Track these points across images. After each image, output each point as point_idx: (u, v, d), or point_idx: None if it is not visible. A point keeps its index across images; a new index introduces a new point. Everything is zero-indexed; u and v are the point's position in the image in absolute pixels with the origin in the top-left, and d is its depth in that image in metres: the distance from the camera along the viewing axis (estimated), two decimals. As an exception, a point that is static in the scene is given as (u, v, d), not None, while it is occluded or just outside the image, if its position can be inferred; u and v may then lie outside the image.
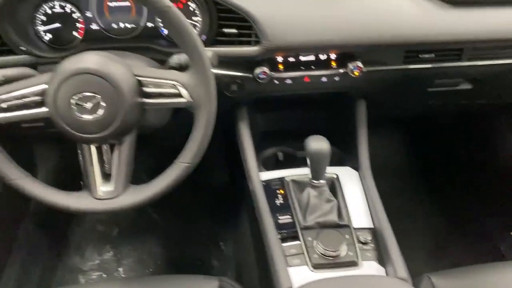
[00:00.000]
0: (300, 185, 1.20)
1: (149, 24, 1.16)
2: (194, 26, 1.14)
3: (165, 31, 1.16)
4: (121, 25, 1.15)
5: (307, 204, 1.13)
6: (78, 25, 1.14)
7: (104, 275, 1.58)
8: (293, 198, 1.17)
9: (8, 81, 0.98)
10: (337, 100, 1.39)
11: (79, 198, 0.96)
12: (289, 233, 1.09)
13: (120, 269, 1.60)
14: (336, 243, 1.04)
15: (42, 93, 0.90)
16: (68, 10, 1.12)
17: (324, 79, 1.21)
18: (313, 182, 1.14)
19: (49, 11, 1.12)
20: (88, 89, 0.87)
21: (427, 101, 1.34)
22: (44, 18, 1.12)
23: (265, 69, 1.15)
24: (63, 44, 1.14)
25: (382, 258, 1.05)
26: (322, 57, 1.19)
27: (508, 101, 1.45)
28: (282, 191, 1.20)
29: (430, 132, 1.52)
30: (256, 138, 1.33)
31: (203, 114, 0.92)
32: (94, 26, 1.14)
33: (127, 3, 1.14)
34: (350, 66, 1.17)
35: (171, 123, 1.18)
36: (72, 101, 0.87)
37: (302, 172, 1.23)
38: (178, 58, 1.03)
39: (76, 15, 1.13)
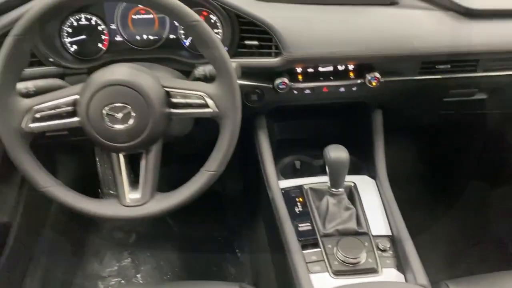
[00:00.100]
0: (318, 193, 1.22)
1: (171, 36, 1.19)
2: None
3: (187, 43, 1.20)
4: (144, 37, 1.18)
5: (326, 212, 1.16)
6: (103, 37, 1.17)
7: (123, 281, 1.61)
8: (312, 206, 1.19)
9: (39, 91, 1.02)
10: (352, 109, 1.42)
11: (108, 205, 0.99)
12: (309, 240, 1.12)
13: (139, 275, 1.62)
14: (356, 250, 1.06)
15: (74, 104, 0.93)
16: (93, 22, 1.16)
17: (342, 89, 1.24)
18: (332, 190, 1.16)
19: (75, 24, 1.15)
20: (119, 99, 0.90)
21: (442, 110, 1.36)
22: (70, 30, 1.15)
23: (285, 80, 1.18)
24: (88, 55, 1.18)
25: (401, 265, 1.07)
26: (340, 68, 1.22)
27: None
28: (301, 199, 1.22)
29: (444, 141, 1.54)
30: (273, 147, 1.35)
31: (229, 124, 0.95)
32: (118, 38, 1.18)
33: (150, 16, 1.17)
34: (368, 76, 1.19)
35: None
36: (104, 111, 0.90)
37: (320, 180, 1.25)
38: (203, 69, 1.07)
39: (101, 27, 1.16)
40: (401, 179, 1.33)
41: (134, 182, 1.00)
